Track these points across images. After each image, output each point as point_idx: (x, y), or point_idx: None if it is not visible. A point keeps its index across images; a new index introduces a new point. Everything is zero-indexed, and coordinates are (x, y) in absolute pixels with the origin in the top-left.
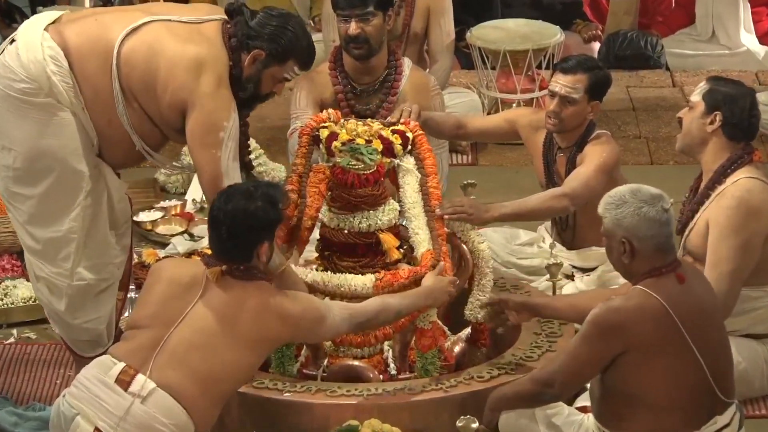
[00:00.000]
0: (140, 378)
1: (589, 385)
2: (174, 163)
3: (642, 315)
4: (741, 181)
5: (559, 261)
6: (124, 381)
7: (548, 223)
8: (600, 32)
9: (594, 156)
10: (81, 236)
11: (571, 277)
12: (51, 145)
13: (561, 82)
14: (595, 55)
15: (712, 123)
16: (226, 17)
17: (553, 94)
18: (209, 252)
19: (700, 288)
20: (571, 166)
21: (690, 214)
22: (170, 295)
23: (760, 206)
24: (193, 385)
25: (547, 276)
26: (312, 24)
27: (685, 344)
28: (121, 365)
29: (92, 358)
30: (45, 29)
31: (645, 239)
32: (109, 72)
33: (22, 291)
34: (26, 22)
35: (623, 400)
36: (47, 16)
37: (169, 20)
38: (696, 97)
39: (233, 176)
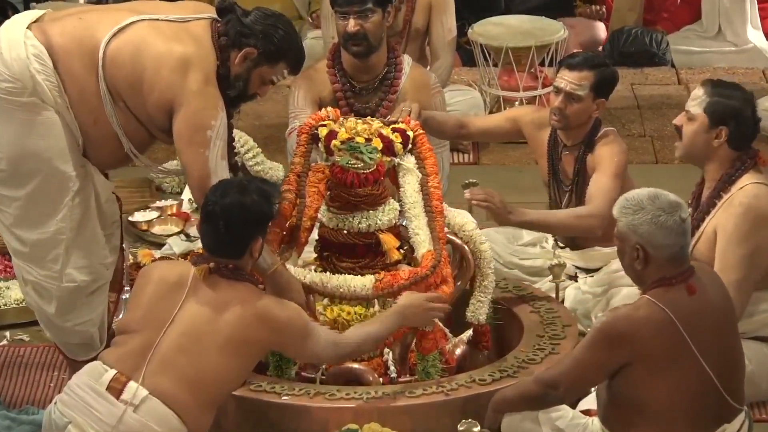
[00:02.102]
0: (132, 385)
1: (595, 389)
2: (160, 167)
3: (648, 326)
4: (747, 187)
5: (562, 262)
6: (115, 389)
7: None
8: (603, 10)
9: (607, 162)
10: (70, 237)
11: (574, 278)
12: (36, 145)
13: (566, 79)
14: (601, 34)
15: (717, 137)
16: (214, 16)
17: (558, 91)
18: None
19: (714, 293)
20: (581, 165)
21: (696, 223)
22: (158, 296)
23: (767, 212)
24: (184, 390)
25: (550, 277)
26: (309, 20)
27: (693, 357)
28: (112, 372)
29: (86, 362)
30: (28, 27)
31: (660, 248)
32: (96, 72)
33: (15, 293)
34: (8, 21)
35: (630, 407)
36: (30, 14)
37: (156, 19)
38: (696, 108)
39: (221, 175)
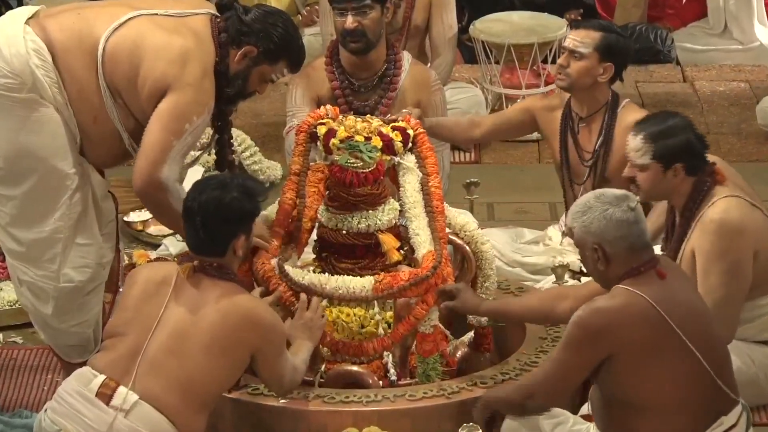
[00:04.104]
0: (122, 390)
1: (590, 395)
2: None
3: (628, 314)
4: (717, 203)
5: (565, 262)
6: (105, 394)
7: (561, 223)
8: (579, 18)
9: None
10: (67, 236)
11: (578, 276)
12: (33, 143)
13: (571, 37)
14: None
15: (675, 175)
16: (214, 12)
17: (564, 50)
18: None
19: (683, 285)
20: (607, 137)
21: (673, 252)
22: (144, 298)
23: (741, 223)
24: (174, 394)
25: (553, 277)
26: (303, 14)
27: (680, 341)
28: (101, 378)
29: (80, 364)
30: (26, 23)
31: (615, 242)
32: (95, 69)
33: (8, 294)
34: (3, 17)
35: (624, 408)
36: (26, 10)
37: (155, 14)
38: (645, 159)
39: (174, 170)
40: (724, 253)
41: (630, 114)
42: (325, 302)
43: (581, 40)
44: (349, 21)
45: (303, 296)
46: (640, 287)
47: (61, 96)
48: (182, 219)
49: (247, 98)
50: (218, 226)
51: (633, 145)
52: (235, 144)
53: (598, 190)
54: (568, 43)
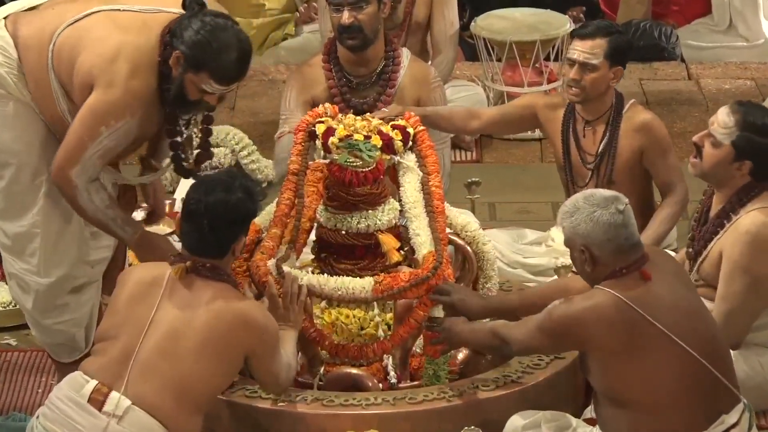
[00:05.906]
0: (114, 396)
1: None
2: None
3: (598, 315)
4: (756, 213)
5: (567, 263)
6: (97, 400)
7: None
8: (582, 15)
9: (664, 141)
10: (47, 231)
11: None
12: (6, 137)
13: (579, 49)
14: None
15: (739, 169)
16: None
17: (572, 63)
18: None
19: (673, 284)
20: (612, 140)
21: (703, 243)
22: (135, 299)
23: None
24: (168, 397)
25: (555, 278)
26: (301, 11)
27: (667, 340)
28: (93, 383)
29: (72, 364)
30: (6, 17)
31: (602, 244)
32: (46, 65)
33: (1, 295)
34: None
35: (616, 404)
36: (19, 4)
37: (117, 10)
38: (724, 138)
39: (89, 173)
40: (752, 266)
41: (637, 115)
42: (324, 303)
43: (591, 51)
44: (345, 16)
45: (272, 289)
46: (619, 288)
47: (27, 92)
48: (181, 221)
49: (200, 109)
50: (224, 227)
51: (722, 119)
52: (233, 143)
53: (589, 191)
54: (577, 56)
